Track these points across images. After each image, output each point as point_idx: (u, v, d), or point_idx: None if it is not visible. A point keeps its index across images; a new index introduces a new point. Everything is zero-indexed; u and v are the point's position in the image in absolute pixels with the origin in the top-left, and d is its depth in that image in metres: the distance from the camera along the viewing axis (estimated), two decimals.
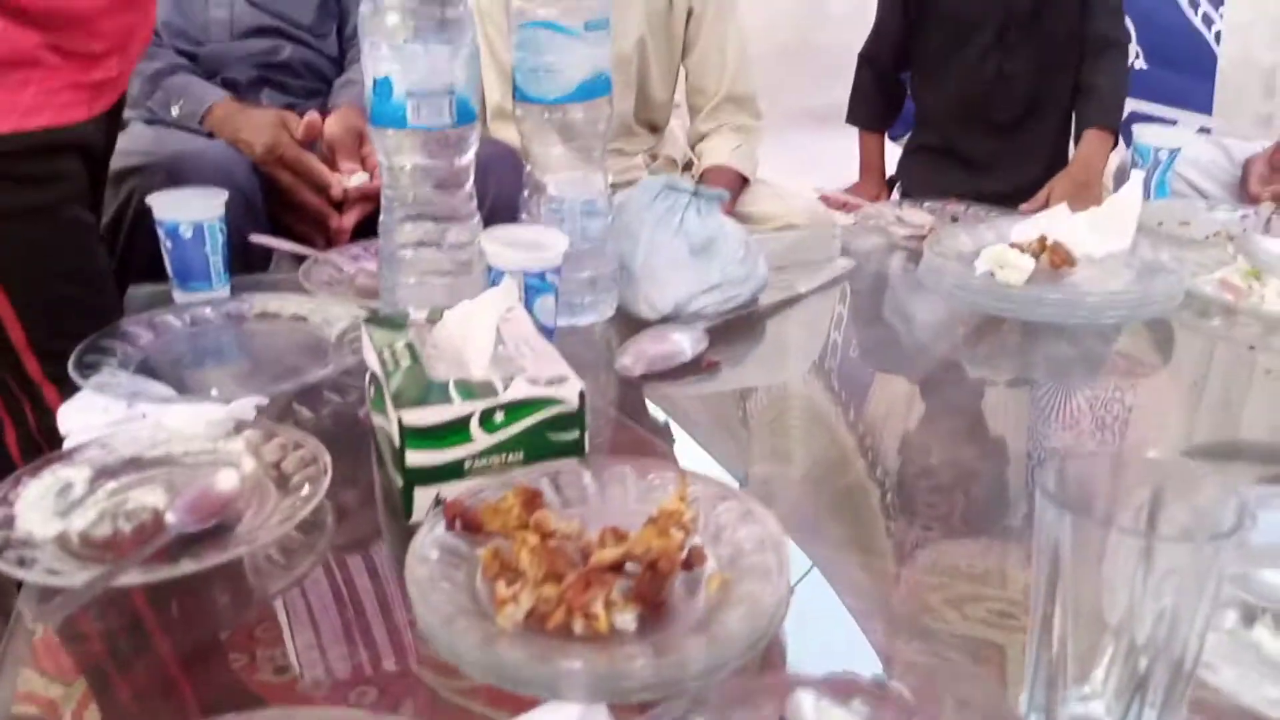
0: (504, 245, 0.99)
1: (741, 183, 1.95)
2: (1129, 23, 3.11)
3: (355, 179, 1.43)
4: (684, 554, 0.64)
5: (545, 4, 1.01)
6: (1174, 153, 1.56)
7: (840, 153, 2.32)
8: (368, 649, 0.65)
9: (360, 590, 0.71)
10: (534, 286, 0.99)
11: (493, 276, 1.00)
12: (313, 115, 1.47)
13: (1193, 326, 1.15)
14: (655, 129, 2.09)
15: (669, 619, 0.62)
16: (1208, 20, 2.92)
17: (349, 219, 1.44)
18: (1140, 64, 3.11)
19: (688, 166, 2.09)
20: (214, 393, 0.91)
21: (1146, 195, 1.54)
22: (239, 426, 0.84)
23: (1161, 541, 0.51)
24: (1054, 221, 1.28)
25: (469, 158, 1.01)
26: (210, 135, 1.49)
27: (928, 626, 0.68)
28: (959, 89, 2.06)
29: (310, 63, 1.65)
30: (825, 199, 1.71)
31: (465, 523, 0.67)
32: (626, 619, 0.61)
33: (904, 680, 0.63)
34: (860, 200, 1.62)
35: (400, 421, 0.71)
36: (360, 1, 0.96)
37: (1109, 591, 0.50)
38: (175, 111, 1.51)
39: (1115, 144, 2.01)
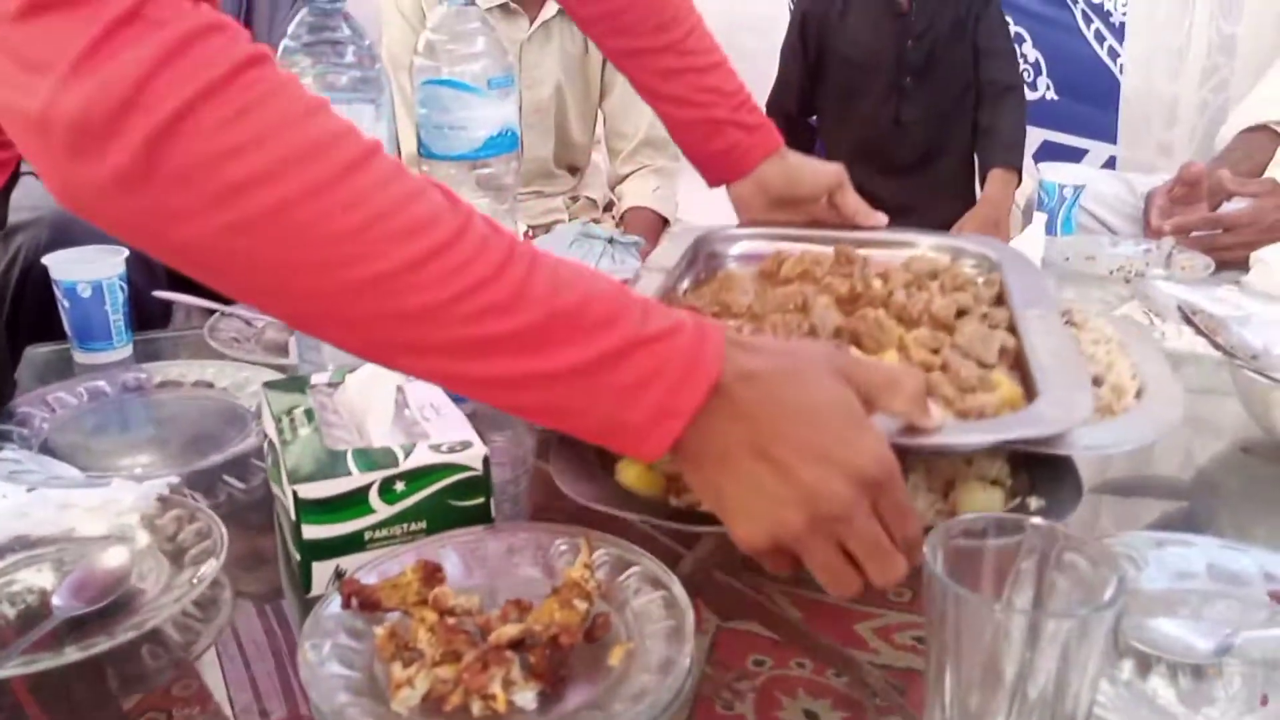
0: None
1: (662, 224, 1.97)
2: (1039, 56, 3.20)
3: None
4: (587, 624, 0.64)
5: (448, 62, 1.00)
6: (1079, 189, 1.60)
7: None
8: None
9: (258, 674, 0.68)
10: None
11: None
12: None
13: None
14: (575, 170, 2.10)
15: (571, 694, 0.61)
16: (1113, 53, 3.02)
17: None
18: (1051, 95, 3.20)
19: (609, 207, 2.10)
20: (136, 470, 0.88)
21: (1053, 231, 1.58)
22: (139, 500, 0.82)
23: (1045, 617, 0.52)
24: None
25: None
26: None
27: (854, 658, 0.68)
28: (859, 134, 2.11)
29: None
30: None
31: (362, 601, 0.65)
32: (526, 697, 0.60)
33: (832, 717, 0.62)
34: None
35: (295, 495, 0.70)
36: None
37: (999, 657, 0.51)
38: None
39: (1019, 182, 2.06)
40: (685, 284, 1.01)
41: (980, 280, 0.98)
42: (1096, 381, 0.80)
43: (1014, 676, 0.51)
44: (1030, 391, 0.76)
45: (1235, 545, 0.76)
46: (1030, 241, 1.30)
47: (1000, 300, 0.93)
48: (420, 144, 1.07)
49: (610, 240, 1.19)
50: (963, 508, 0.71)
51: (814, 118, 2.28)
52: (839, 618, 0.71)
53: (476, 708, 0.59)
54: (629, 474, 0.75)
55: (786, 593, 0.73)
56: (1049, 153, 2.95)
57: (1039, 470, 0.73)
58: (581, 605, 0.64)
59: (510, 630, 0.61)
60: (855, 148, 2.14)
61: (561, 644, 0.61)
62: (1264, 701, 0.63)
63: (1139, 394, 0.81)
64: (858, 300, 0.90)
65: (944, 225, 1.98)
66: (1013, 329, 0.86)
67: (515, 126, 1.06)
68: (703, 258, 1.07)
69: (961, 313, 0.88)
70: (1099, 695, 0.60)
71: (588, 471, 0.74)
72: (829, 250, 1.02)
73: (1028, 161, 2.62)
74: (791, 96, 2.22)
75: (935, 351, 0.80)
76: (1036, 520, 0.55)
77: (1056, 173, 1.61)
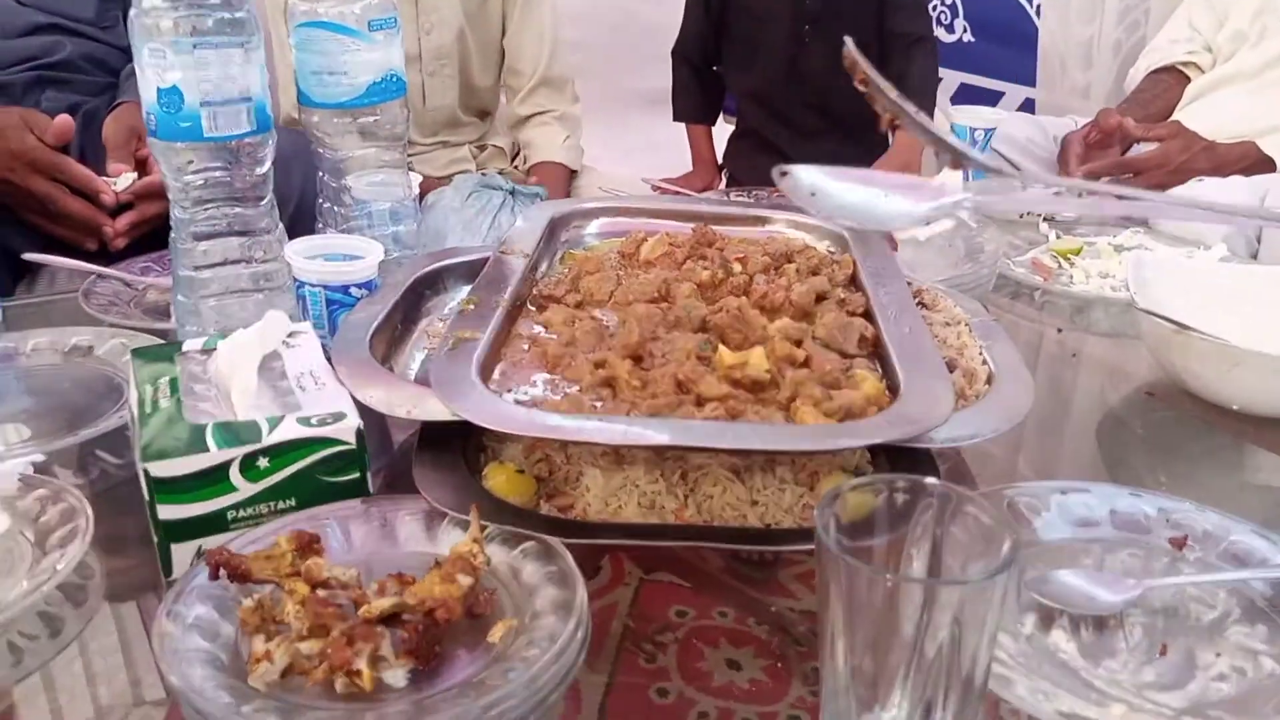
0: (310, 257, 0.93)
1: (570, 176, 1.92)
2: None
3: (123, 180, 1.30)
4: (470, 600, 0.60)
5: (326, 2, 0.94)
6: (989, 131, 1.59)
7: (677, 135, 2.31)
8: None
9: (132, 661, 0.64)
10: (338, 301, 0.93)
11: (300, 291, 0.94)
12: (64, 117, 1.31)
13: (1004, 309, 1.16)
14: (484, 114, 2.03)
15: (447, 673, 0.58)
16: None
17: (124, 222, 1.30)
18: (968, 37, 3.19)
19: (517, 154, 2.05)
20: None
21: (965, 176, 1.56)
22: None
23: (938, 584, 0.50)
24: None
25: (268, 167, 0.93)
26: None
27: (774, 605, 0.67)
28: (760, 84, 2.08)
29: (95, 56, 1.51)
30: (656, 189, 1.68)
31: (231, 573, 0.61)
32: (397, 675, 0.57)
33: (753, 666, 0.61)
34: (689, 191, 1.60)
35: (147, 473, 0.65)
36: None
37: (893, 621, 0.49)
38: None
39: None
40: (544, 266, 0.98)
41: (834, 260, 0.98)
42: (949, 366, 0.81)
43: (910, 638, 0.50)
44: (892, 381, 0.76)
45: (1136, 491, 0.76)
46: (949, 177, 1.28)
47: (854, 280, 0.94)
48: (299, 92, 1.01)
49: (512, 192, 1.14)
50: None
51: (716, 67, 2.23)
52: (760, 566, 0.70)
53: (340, 685, 0.55)
54: (496, 480, 0.71)
55: (708, 545, 0.72)
56: (966, 95, 2.95)
57: (896, 455, 0.73)
58: (465, 580, 0.60)
59: (382, 604, 0.58)
60: (758, 98, 2.11)
61: (438, 619, 0.57)
62: (1163, 651, 0.63)
63: (990, 379, 0.81)
64: (719, 286, 0.89)
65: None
66: (868, 314, 0.86)
67: (401, 71, 1.01)
68: (560, 237, 1.04)
69: (820, 298, 0.89)
70: (1000, 651, 0.59)
71: (452, 475, 0.71)
72: (688, 229, 1.01)
73: (944, 103, 2.61)
74: (695, 45, 2.18)
75: (798, 344, 0.80)
76: (931, 480, 0.53)
77: (967, 115, 1.59)
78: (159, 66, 0.84)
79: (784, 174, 0.68)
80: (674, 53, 2.22)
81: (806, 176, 0.69)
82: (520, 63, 1.95)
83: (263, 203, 0.93)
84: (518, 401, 0.72)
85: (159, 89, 0.85)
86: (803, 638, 0.64)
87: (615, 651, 0.63)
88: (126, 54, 1.56)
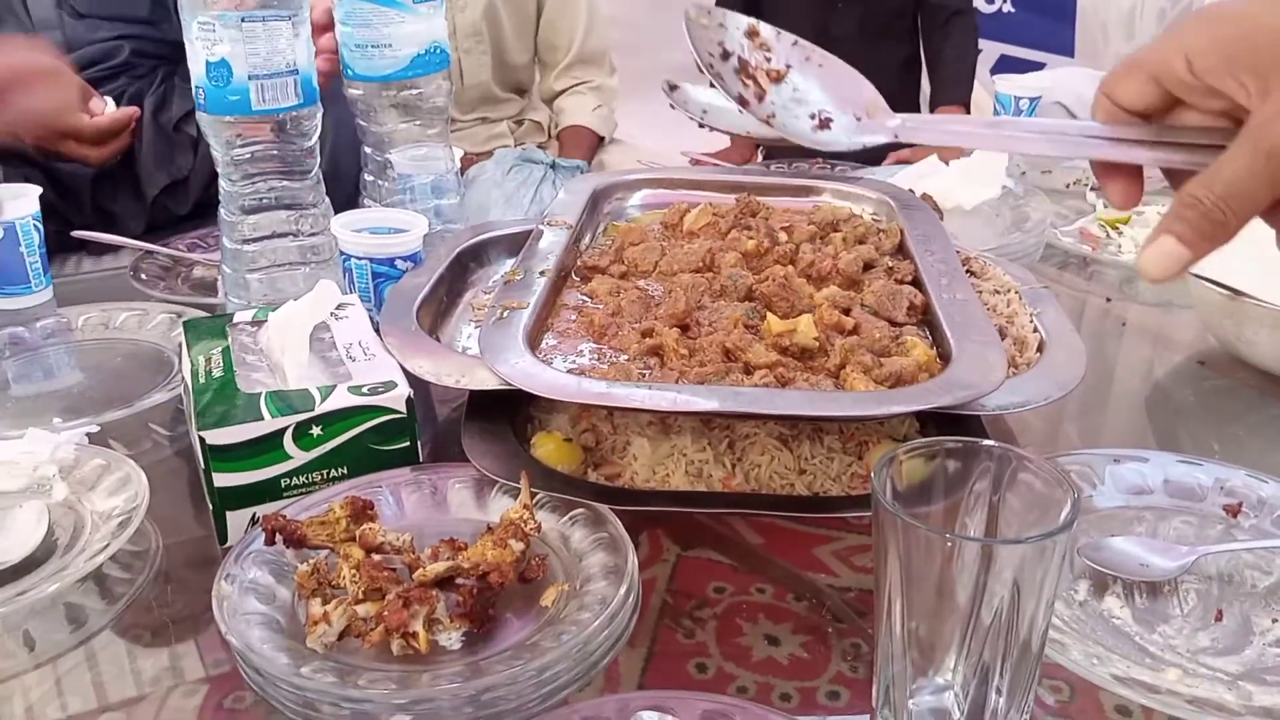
0: (356, 231, 0.94)
1: (598, 142, 1.93)
2: None
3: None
4: (522, 565, 0.61)
5: None
6: (1035, 100, 1.56)
7: None
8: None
9: (191, 627, 0.65)
10: (384, 274, 0.94)
11: (345, 264, 0.94)
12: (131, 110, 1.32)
13: (1052, 278, 1.15)
14: (522, 91, 2.03)
15: (500, 636, 0.58)
16: None
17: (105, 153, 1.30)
18: (1008, 8, 3.15)
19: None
20: (55, 420, 0.84)
21: None
22: (55, 451, 0.77)
23: (997, 544, 0.50)
24: (925, 173, 1.28)
25: (314, 141, 0.94)
26: None
27: (814, 582, 0.66)
28: None
29: (147, 52, 1.51)
30: (694, 163, 1.67)
31: (287, 538, 0.62)
32: (451, 638, 0.57)
33: (792, 642, 0.61)
34: (728, 164, 1.59)
35: (203, 441, 0.66)
36: None
37: (950, 585, 0.49)
38: None
39: (968, 113, 2.02)
40: (587, 238, 0.98)
41: (880, 229, 0.97)
42: (1000, 334, 0.80)
43: (966, 602, 0.49)
44: (942, 349, 0.75)
45: (1191, 459, 0.75)
46: (993, 156, 1.27)
47: (901, 249, 0.93)
48: (343, 64, 1.01)
49: (553, 165, 1.14)
50: None
51: None
52: (799, 542, 0.70)
53: (396, 646, 0.56)
54: (544, 449, 0.72)
55: (747, 519, 0.71)
56: (1005, 66, 2.91)
57: (946, 425, 0.72)
58: (517, 545, 0.61)
59: (437, 567, 0.58)
60: None
61: (491, 583, 0.58)
62: (1219, 617, 0.62)
63: (1041, 347, 0.80)
64: (764, 256, 0.89)
65: (880, 151, 1.93)
66: (917, 282, 0.85)
67: (444, 43, 1.01)
68: (602, 209, 1.04)
69: (868, 266, 0.88)
70: (1054, 617, 0.59)
71: (500, 444, 0.71)
72: (731, 200, 1.00)
73: (984, 75, 2.57)
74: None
75: (846, 312, 0.79)
76: (989, 442, 0.52)
77: (1011, 84, 1.57)
78: (208, 40, 0.85)
79: (674, 88, 0.66)
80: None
81: (697, 95, 0.66)
82: (557, 38, 1.95)
83: (309, 176, 0.94)
84: (566, 370, 0.72)
85: (208, 62, 0.85)
86: (842, 614, 0.64)
87: (654, 626, 0.62)
88: (176, 46, 1.55)
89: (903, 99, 2.10)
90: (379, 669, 0.55)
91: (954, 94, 2.00)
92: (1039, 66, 2.81)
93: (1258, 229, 1.12)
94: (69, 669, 0.62)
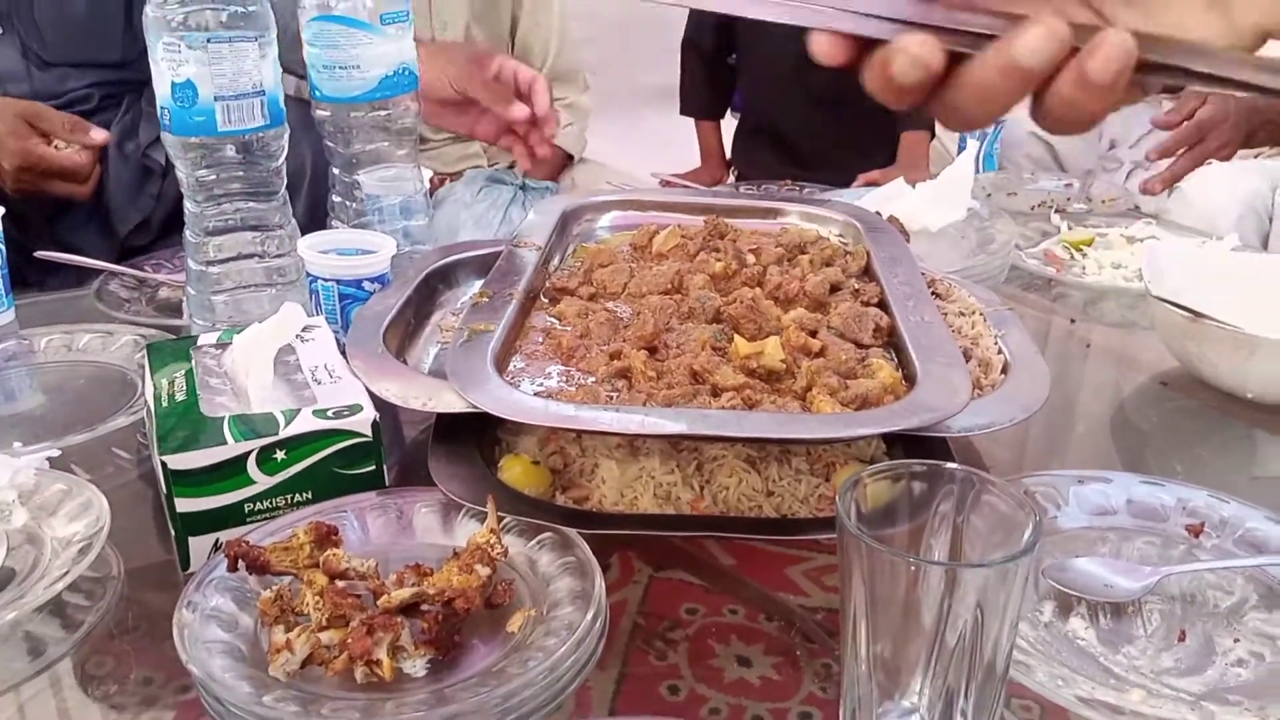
0: (323, 252, 0.93)
1: (566, 160, 1.94)
2: None
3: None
4: (489, 591, 0.61)
5: None
6: (999, 124, 1.59)
7: (686, 132, 2.30)
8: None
9: (151, 654, 0.64)
10: (351, 296, 0.93)
11: (312, 285, 0.94)
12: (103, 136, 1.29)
13: (1017, 300, 1.16)
14: None
15: (466, 663, 0.58)
16: None
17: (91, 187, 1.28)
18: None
19: None
20: (15, 444, 0.83)
21: (976, 168, 1.56)
22: (15, 476, 0.76)
23: (960, 568, 0.50)
24: (891, 196, 1.29)
25: (281, 161, 0.94)
26: None
27: (785, 603, 0.66)
28: (772, 71, 2.06)
29: (120, 94, 1.48)
30: (664, 184, 1.68)
31: (250, 564, 0.61)
32: (416, 665, 0.57)
33: (764, 663, 0.61)
34: (697, 186, 1.60)
35: (165, 466, 0.65)
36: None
37: (915, 608, 0.49)
38: None
39: (933, 136, 2.04)
40: (556, 259, 0.98)
41: (847, 251, 0.98)
42: (965, 355, 0.80)
43: (931, 625, 0.49)
44: (907, 371, 0.75)
45: (1153, 480, 0.76)
46: (960, 175, 1.28)
47: (868, 271, 0.93)
48: (311, 86, 1.01)
49: (522, 186, 1.15)
50: None
51: (733, 56, 2.23)
52: (770, 562, 0.70)
53: (359, 675, 0.55)
54: (511, 472, 0.71)
55: (718, 539, 0.71)
56: None
57: (912, 446, 0.73)
58: (483, 570, 0.60)
59: (402, 594, 0.58)
60: (768, 86, 2.10)
61: (457, 609, 0.58)
62: (1182, 637, 0.63)
63: (1005, 369, 0.81)
64: (732, 278, 0.89)
65: (865, 170, 1.95)
66: (883, 304, 0.86)
67: (413, 65, 1.01)
68: (572, 230, 1.04)
69: (834, 288, 0.88)
70: (1019, 639, 0.59)
71: (467, 468, 0.71)
72: (700, 221, 1.01)
73: None
74: (708, 33, 2.17)
75: (813, 334, 0.80)
76: (952, 465, 0.53)
77: None
78: (173, 61, 0.85)
79: None
80: (684, 43, 2.21)
81: None
82: (529, 57, 1.96)
83: (275, 197, 0.93)
84: (534, 393, 0.72)
85: (173, 83, 0.85)
86: (813, 634, 0.64)
87: (625, 649, 0.62)
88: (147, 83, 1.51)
89: (880, 120, 2.11)
90: (342, 697, 0.55)
91: (919, 121, 2.02)
92: None
93: (1213, 252, 1.13)
94: (29, 698, 0.61)
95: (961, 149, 1.58)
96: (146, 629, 0.66)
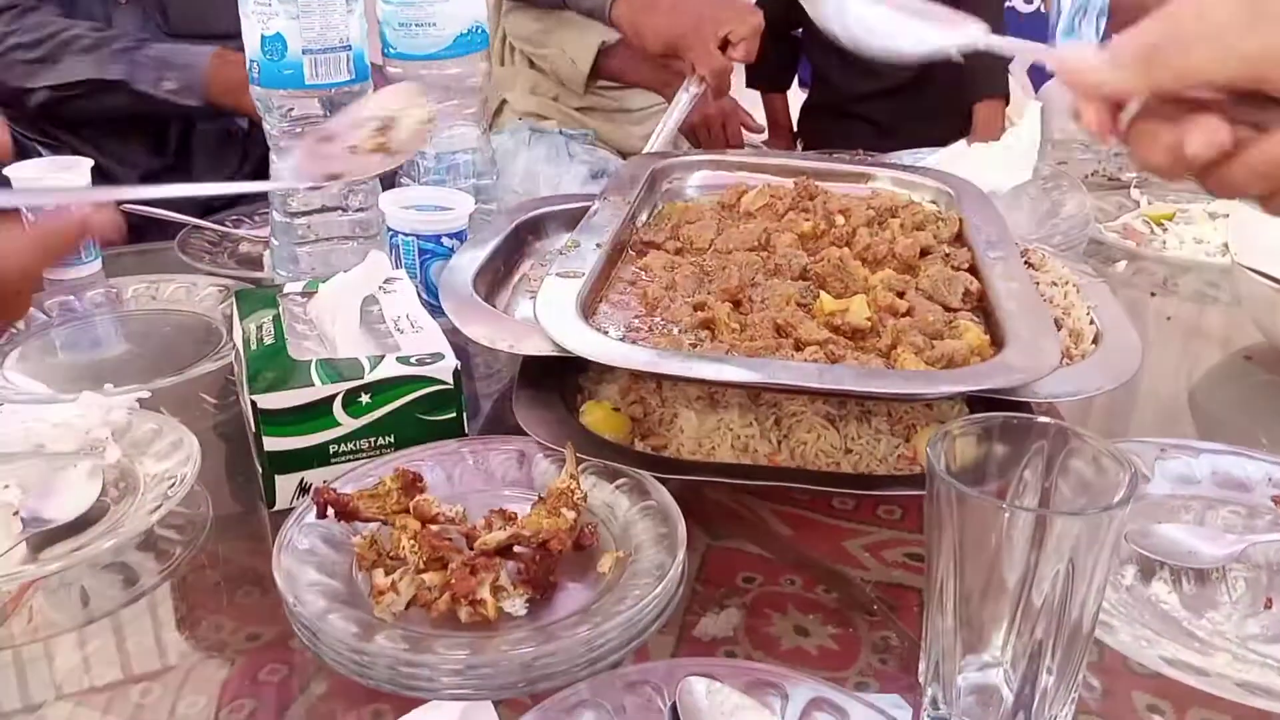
0: (404, 207, 0.94)
1: None
2: None
3: None
4: (576, 533, 0.61)
5: None
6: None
7: (753, 103, 2.29)
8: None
9: (240, 594, 0.66)
10: (430, 251, 0.94)
11: (392, 240, 0.95)
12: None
13: (1096, 273, 1.14)
14: None
15: (561, 602, 0.59)
16: None
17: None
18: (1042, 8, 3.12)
19: None
20: (107, 387, 0.85)
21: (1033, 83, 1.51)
22: (108, 414, 0.79)
23: (1054, 515, 0.50)
24: (955, 158, 1.27)
25: None
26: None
27: (845, 574, 0.66)
28: (846, 51, 2.03)
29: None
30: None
31: (338, 510, 0.63)
32: (516, 604, 0.58)
33: (821, 633, 0.61)
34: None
35: (255, 405, 0.67)
36: None
37: (1004, 562, 0.49)
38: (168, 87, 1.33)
39: (1008, 102, 2.00)
40: (644, 215, 0.98)
41: (939, 217, 0.97)
42: (1056, 325, 0.79)
43: (1018, 580, 0.49)
44: (996, 336, 0.75)
45: (1240, 451, 0.74)
46: (1026, 135, 1.25)
47: (960, 238, 0.92)
48: (384, 43, 1.02)
49: (560, 133, 1.16)
50: (924, 451, 0.70)
51: (799, 30, 2.20)
52: (829, 535, 0.69)
53: (464, 614, 0.57)
54: (593, 416, 0.72)
55: (776, 510, 0.71)
56: (1043, 70, 2.88)
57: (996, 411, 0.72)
58: (569, 514, 0.61)
59: (498, 535, 0.59)
60: (843, 62, 2.07)
61: (551, 550, 0.59)
62: (1268, 604, 0.62)
63: (1096, 339, 0.80)
64: (820, 238, 0.89)
65: (936, 143, 1.92)
66: (974, 270, 0.85)
67: (484, 24, 1.01)
68: (660, 188, 1.04)
69: (924, 252, 0.88)
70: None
71: (551, 411, 0.72)
72: (789, 183, 1.00)
73: (1020, 74, 2.55)
74: (773, 6, 2.14)
75: (901, 295, 0.79)
76: (1044, 419, 0.52)
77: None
78: (263, 14, 0.86)
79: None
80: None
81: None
82: None
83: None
84: (619, 338, 0.73)
85: (263, 35, 0.87)
86: (871, 606, 0.63)
87: (682, 615, 0.62)
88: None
89: (954, 89, 2.06)
90: (449, 635, 0.56)
91: (993, 87, 1.97)
92: None
93: None
94: (122, 625, 0.63)
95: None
96: (234, 566, 0.68)
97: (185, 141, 1.43)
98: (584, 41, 1.58)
